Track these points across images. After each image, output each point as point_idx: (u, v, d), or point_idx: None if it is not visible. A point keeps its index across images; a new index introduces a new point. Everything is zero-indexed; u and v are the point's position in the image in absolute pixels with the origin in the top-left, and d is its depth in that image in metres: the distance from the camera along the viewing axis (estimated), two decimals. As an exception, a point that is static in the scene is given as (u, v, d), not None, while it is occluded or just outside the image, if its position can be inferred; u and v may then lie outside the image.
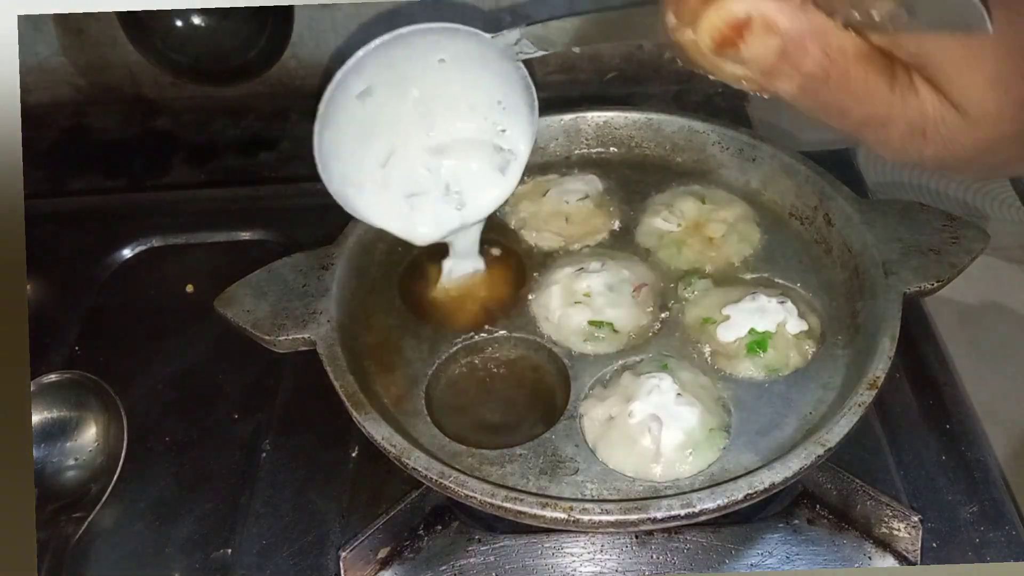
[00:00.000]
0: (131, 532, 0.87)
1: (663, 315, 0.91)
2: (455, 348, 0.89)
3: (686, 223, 0.98)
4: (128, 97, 1.45)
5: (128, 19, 1.21)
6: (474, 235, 0.93)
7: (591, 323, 0.88)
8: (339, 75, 0.77)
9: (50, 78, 1.42)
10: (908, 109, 0.49)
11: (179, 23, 1.20)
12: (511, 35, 0.76)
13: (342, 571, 0.79)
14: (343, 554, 0.78)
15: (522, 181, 0.89)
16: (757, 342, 0.84)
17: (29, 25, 1.35)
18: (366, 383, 0.83)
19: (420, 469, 0.73)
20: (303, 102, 1.44)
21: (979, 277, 1.13)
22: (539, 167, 1.08)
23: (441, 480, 0.72)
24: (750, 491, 0.70)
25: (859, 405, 0.75)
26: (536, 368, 0.89)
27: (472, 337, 0.90)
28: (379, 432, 0.75)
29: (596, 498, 0.75)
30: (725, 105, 1.43)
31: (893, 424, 0.92)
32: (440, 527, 0.84)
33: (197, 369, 1.02)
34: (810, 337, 0.86)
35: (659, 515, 0.69)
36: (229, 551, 0.85)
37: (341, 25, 1.37)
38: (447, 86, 0.83)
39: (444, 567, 0.81)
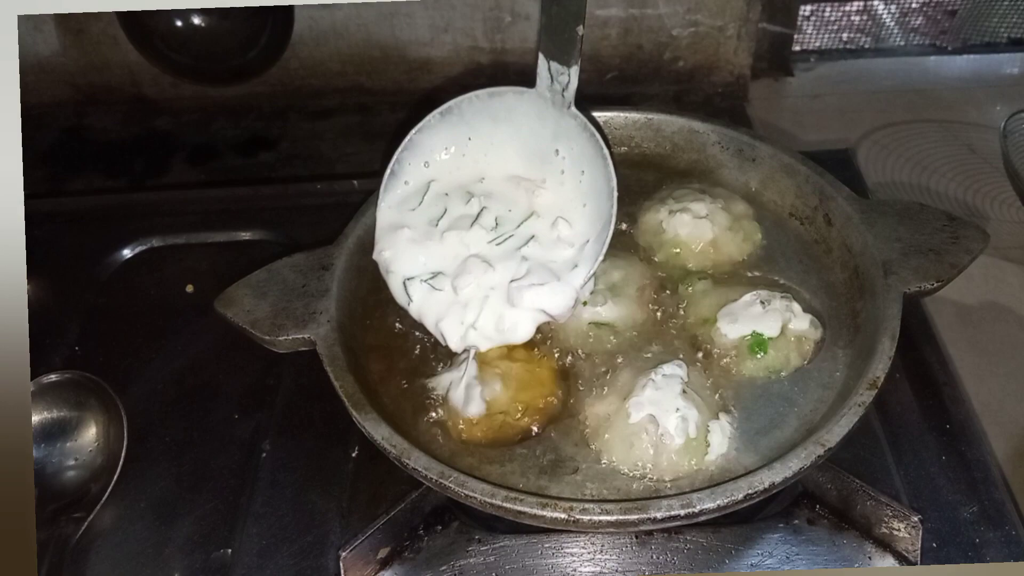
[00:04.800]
0: (131, 532, 0.87)
1: (663, 315, 0.91)
2: (455, 348, 0.89)
3: (686, 209, 0.96)
4: (128, 97, 1.45)
5: (128, 19, 1.21)
6: None
7: (592, 324, 0.88)
8: None
9: (50, 78, 1.42)
10: None
11: (179, 23, 1.20)
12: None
13: (342, 571, 0.79)
14: (343, 554, 0.78)
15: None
16: (758, 342, 0.84)
17: (29, 25, 1.35)
18: (366, 383, 0.83)
19: (420, 469, 0.73)
20: (303, 102, 1.46)
21: (979, 277, 1.13)
22: (539, 167, 1.08)
23: (441, 480, 0.72)
24: (750, 491, 0.70)
25: (859, 405, 0.75)
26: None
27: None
28: (379, 432, 0.75)
29: (596, 498, 0.75)
30: (725, 105, 1.43)
31: (893, 424, 0.92)
32: (440, 527, 0.84)
33: (197, 369, 1.03)
34: (810, 337, 0.86)
35: (659, 515, 0.69)
36: (229, 551, 0.85)
37: (341, 25, 1.37)
38: None
39: (444, 567, 0.81)
